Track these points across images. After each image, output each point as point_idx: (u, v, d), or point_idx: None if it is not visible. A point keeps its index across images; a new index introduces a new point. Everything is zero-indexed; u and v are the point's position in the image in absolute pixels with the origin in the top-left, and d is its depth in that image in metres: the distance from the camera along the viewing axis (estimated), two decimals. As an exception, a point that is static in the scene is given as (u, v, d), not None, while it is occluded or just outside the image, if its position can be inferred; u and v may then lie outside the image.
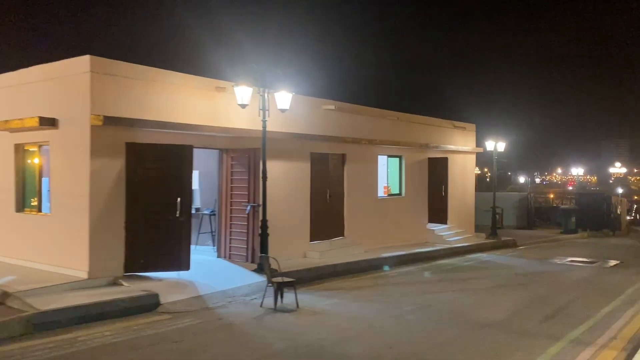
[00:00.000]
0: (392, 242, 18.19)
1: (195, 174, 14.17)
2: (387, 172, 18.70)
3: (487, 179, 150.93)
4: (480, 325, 9.31)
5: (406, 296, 11.74)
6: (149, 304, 9.58)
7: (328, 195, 15.78)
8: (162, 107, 11.33)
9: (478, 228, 23.81)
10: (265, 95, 12.07)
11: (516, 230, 31.83)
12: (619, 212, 38.39)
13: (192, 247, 14.12)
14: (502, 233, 28.25)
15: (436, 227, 20.15)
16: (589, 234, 33.51)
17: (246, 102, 11.67)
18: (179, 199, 11.00)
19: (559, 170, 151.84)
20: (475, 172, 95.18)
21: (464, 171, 22.63)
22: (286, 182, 14.35)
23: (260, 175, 12.13)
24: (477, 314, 10.19)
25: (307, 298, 11.07)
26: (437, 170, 20.20)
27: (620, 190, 61.98)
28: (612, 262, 18.10)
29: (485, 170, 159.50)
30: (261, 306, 10.13)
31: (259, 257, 12.13)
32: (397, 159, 19.16)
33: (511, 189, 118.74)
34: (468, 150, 22.73)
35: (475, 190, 24.40)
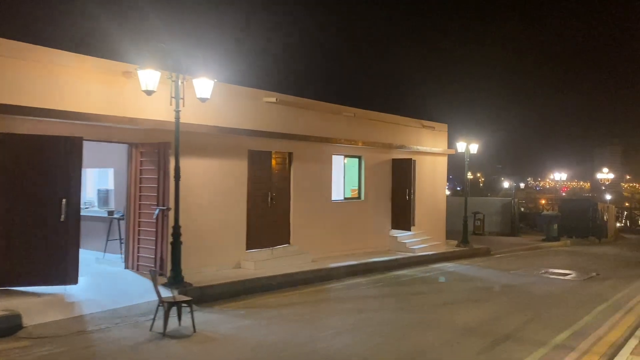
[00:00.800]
0: (349, 250, 16.49)
1: (110, 172, 12.47)
2: (344, 174, 16.98)
3: (481, 184, 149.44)
4: (404, 356, 7.59)
5: (337, 315, 10.02)
6: (7, 327, 7.84)
7: (270, 198, 14.05)
8: (48, 93, 9.59)
9: (457, 235, 22.15)
10: (179, 81, 10.36)
11: (498, 237, 30.31)
12: (605, 219, 36.79)
13: (100, 255, 12.41)
14: (481, 240, 26.74)
15: (400, 234, 18.44)
16: (573, 241, 31.90)
17: (152, 88, 9.95)
18: (64, 200, 9.26)
19: (552, 176, 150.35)
20: (469, 176, 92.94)
21: (433, 174, 20.93)
22: (215, 182, 12.62)
23: (173, 173, 10.39)
24: (407, 340, 8.47)
25: (216, 319, 9.35)
26: (402, 172, 18.49)
27: (608, 197, 60.45)
28: (588, 274, 16.41)
29: (479, 175, 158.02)
30: (150, 330, 8.38)
31: (169, 268, 10.40)
32: (356, 160, 17.44)
33: (504, 193, 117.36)
34: (439, 151, 21.03)
35: (468, 195, 22.68)
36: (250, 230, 13.44)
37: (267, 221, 14.01)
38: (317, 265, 14.02)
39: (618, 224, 61.21)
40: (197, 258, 12.05)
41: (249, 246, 13.43)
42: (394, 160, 18.59)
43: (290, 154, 14.73)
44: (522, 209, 57.76)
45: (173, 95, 10.29)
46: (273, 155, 14.21)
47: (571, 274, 16.36)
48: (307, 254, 14.56)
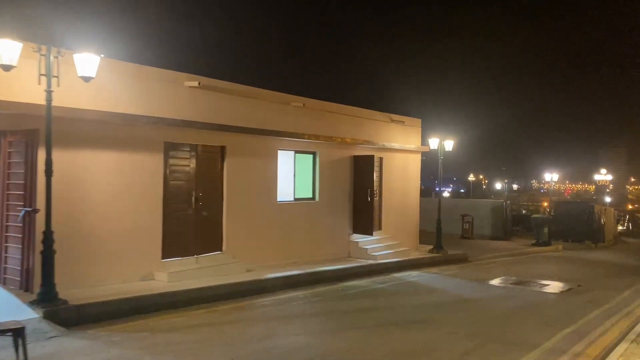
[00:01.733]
0: (300, 257, 14.55)
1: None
2: (294, 172, 15.02)
3: (484, 186, 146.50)
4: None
5: (234, 343, 8.06)
6: None
7: (194, 198, 12.11)
8: None
9: (445, 238, 20.24)
10: (52, 55, 8.45)
11: (488, 241, 28.45)
12: (602, 222, 34.66)
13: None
14: (467, 244, 24.90)
15: (362, 239, 16.44)
16: (567, 246, 29.96)
17: (9, 62, 8.04)
18: None
19: (544, 177, 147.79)
20: (470, 178, 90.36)
21: (404, 173, 18.93)
22: (118, 179, 10.67)
23: (43, 168, 8.48)
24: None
25: (74, 348, 7.41)
26: (363, 170, 16.51)
27: (608, 199, 58.09)
28: (568, 286, 14.39)
29: (482, 177, 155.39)
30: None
31: (39, 282, 8.47)
32: (310, 156, 15.47)
33: (505, 196, 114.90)
34: (412, 148, 19.03)
35: (470, 197, 20.61)
36: (167, 236, 11.49)
37: (192, 225, 12.07)
38: (250, 276, 12.07)
39: (620, 227, 59.16)
40: (96, 270, 10.16)
41: (166, 254, 11.49)
42: (355, 157, 16.61)
43: (223, 148, 12.78)
44: (524, 212, 55.89)
45: (43, 72, 8.38)
46: (200, 149, 12.26)
47: (549, 285, 14.35)
48: (241, 263, 12.61)
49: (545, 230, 26.92)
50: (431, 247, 18.98)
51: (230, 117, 12.70)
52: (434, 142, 18.67)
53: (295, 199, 14.93)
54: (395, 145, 18.22)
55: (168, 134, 11.44)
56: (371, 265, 15.18)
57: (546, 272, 17.18)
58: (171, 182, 11.59)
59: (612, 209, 44.37)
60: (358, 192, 16.51)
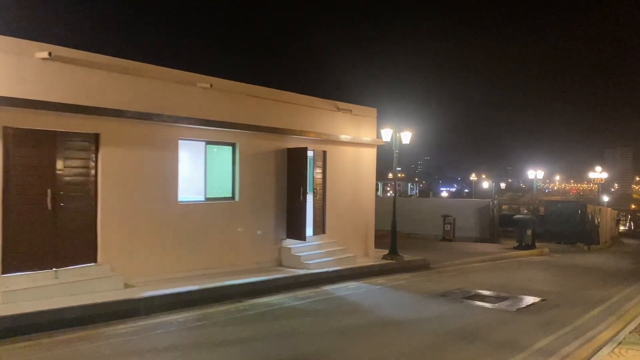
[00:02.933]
0: (214, 266, 12.13)
1: None
2: (205, 166, 12.53)
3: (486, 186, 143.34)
4: None
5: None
6: None
7: (51, 197, 9.66)
8: None
9: (425, 241, 17.79)
10: None
11: (470, 243, 26.06)
12: (596, 222, 31.93)
13: None
14: (443, 248, 22.71)
15: (296, 245, 13.95)
16: (557, 248, 27.50)
17: None
18: None
19: (557, 178, 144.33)
20: (472, 177, 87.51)
21: (356, 169, 16.42)
22: None
23: None
24: None
25: None
26: (298, 166, 14.02)
27: (605, 199, 55.09)
28: (530, 300, 11.85)
29: (484, 176, 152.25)
30: None
31: None
32: (229, 148, 13.00)
33: (510, 196, 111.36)
34: (366, 141, 16.53)
35: (472, 197, 18.03)
36: (7, 245, 9.05)
37: (48, 232, 9.61)
38: (120, 295, 9.60)
39: (622, 228, 56.26)
40: None
41: (8, 268, 9.04)
42: (289, 150, 14.12)
43: (96, 136, 10.31)
44: (525, 212, 53.12)
45: None
46: (60, 137, 9.81)
47: (507, 300, 11.81)
48: (120, 277, 10.15)
49: (529, 232, 24.27)
50: (385, 251, 16.47)
51: (105, 97, 10.25)
52: (386, 134, 16.10)
53: (208, 199, 12.43)
54: (345, 137, 15.72)
55: (10, 117, 9.00)
56: (300, 276, 12.69)
57: (515, 282, 14.65)
58: (14, 177, 9.14)
59: (610, 209, 41.54)
60: (292, 191, 14.01)
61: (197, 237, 11.97)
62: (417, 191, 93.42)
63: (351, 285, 13.03)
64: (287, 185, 14.03)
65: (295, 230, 13.82)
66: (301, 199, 13.72)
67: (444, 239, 27.29)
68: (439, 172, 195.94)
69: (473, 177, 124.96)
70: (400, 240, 25.47)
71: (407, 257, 16.58)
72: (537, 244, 28.58)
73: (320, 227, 14.90)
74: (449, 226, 27.92)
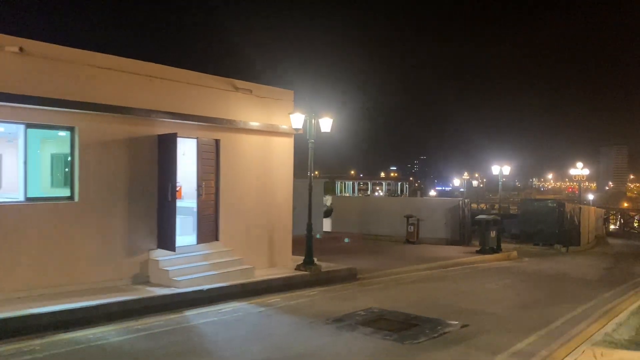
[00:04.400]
0: (40, 286, 9.10)
1: None
2: (25, 156, 9.43)
3: (481, 185, 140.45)
4: None
5: None
6: None
7: None
8: None
9: (388, 243, 14.86)
10: None
11: (436, 246, 23.50)
12: (576, 222, 28.79)
13: None
14: (396, 251, 20.21)
15: (166, 257, 10.88)
16: (533, 251, 24.95)
17: None
18: None
19: (550, 176, 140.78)
20: (464, 176, 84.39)
21: (264, 161, 13.37)
22: None
23: None
24: None
25: None
26: (168, 157, 10.95)
27: (590, 197, 51.83)
28: (451, 326, 8.82)
29: (477, 174, 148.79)
30: None
31: None
32: (66, 133, 9.93)
33: (502, 195, 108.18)
34: (281, 130, 13.47)
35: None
36: None
37: None
38: None
39: (612, 227, 53.20)
40: None
41: None
42: (160, 138, 11.06)
43: None
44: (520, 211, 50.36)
45: None
46: None
47: (415, 327, 8.76)
48: None
49: (493, 233, 21.14)
50: (301, 258, 13.40)
51: None
52: (297, 120, 12.97)
53: (28, 199, 9.35)
54: (248, 123, 12.68)
55: None
56: (155, 298, 9.65)
57: (449, 297, 11.69)
58: None
59: (595, 208, 38.32)
60: (162, 190, 10.95)
61: (11, 247, 8.93)
62: (407, 191, 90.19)
63: (228, 307, 9.99)
64: (158, 183, 10.96)
65: (164, 238, 10.76)
66: (169, 199, 10.65)
67: (407, 241, 24.37)
68: (436, 171, 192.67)
69: (465, 175, 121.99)
70: (361, 242, 22.86)
71: (332, 266, 13.61)
72: (513, 246, 25.74)
73: (209, 234, 11.84)
74: (412, 227, 24.97)
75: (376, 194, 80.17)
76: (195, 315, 9.38)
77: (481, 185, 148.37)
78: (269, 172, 13.42)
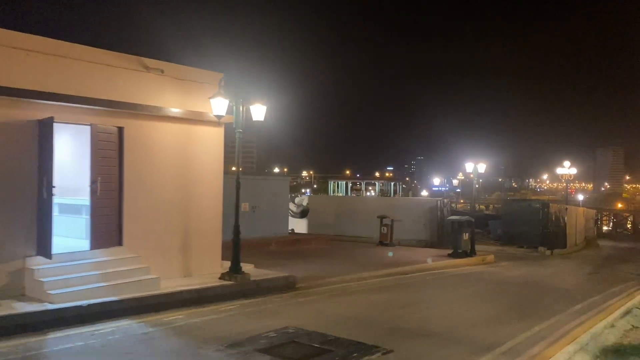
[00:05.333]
0: None
1: None
2: None
3: (477, 185, 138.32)
4: None
5: None
6: None
7: None
8: None
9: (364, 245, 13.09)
10: None
11: (411, 248, 21.61)
12: (562, 224, 26.86)
13: None
14: (364, 255, 18.29)
15: (45, 265, 8.96)
16: (515, 254, 22.85)
17: None
18: None
19: (545, 176, 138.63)
20: (459, 177, 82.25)
21: (184, 154, 11.46)
22: None
23: None
24: None
25: None
26: (44, 147, 9.03)
27: (580, 198, 49.85)
28: (372, 354, 6.90)
29: (471, 175, 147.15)
30: None
31: None
32: None
33: (498, 195, 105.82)
34: (207, 117, 11.53)
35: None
36: None
37: None
38: None
39: (605, 228, 51.38)
40: None
41: None
42: (40, 123, 9.14)
43: None
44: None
45: None
46: None
47: (326, 355, 6.85)
48: None
49: (466, 236, 19.19)
50: (228, 264, 11.48)
51: None
52: (218, 105, 11.02)
53: None
54: (166, 110, 10.80)
55: None
56: (9, 317, 7.71)
57: (388, 313, 9.79)
58: None
59: (584, 209, 36.31)
60: (39, 185, 9.02)
61: None
62: (400, 191, 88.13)
63: (107, 328, 8.09)
64: (39, 178, 9.05)
65: (40, 243, 8.85)
66: (44, 196, 8.74)
67: (381, 244, 22.55)
68: (433, 171, 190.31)
69: (460, 176, 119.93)
70: (331, 245, 21.09)
71: (268, 274, 11.80)
72: (495, 248, 24.03)
73: (108, 237, 9.93)
74: (385, 228, 23.16)
75: (368, 194, 78.10)
76: (58, 339, 7.49)
77: (477, 186, 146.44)
78: (190, 167, 11.51)
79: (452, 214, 24.59)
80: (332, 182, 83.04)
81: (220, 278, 11.10)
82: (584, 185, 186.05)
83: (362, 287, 12.49)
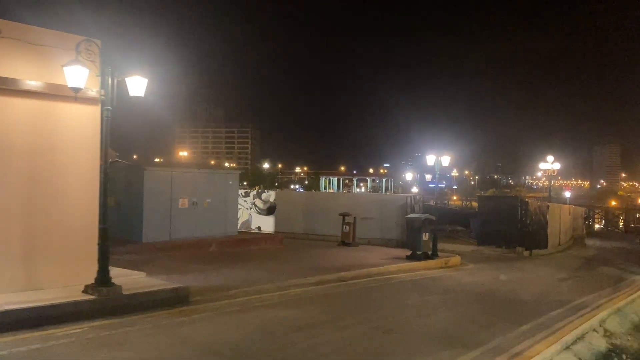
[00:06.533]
0: None
1: None
2: None
3: (472, 182, 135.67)
4: None
5: None
6: None
7: None
8: None
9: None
10: None
11: (373, 248, 19.60)
12: (544, 222, 24.44)
13: None
14: (314, 256, 16.32)
15: None
16: (489, 254, 20.94)
17: None
18: None
19: (539, 174, 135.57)
20: (453, 173, 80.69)
21: (37, 139, 9.03)
22: None
23: None
24: None
25: None
26: None
27: (567, 194, 47.28)
28: None
29: (467, 172, 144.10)
30: None
31: None
32: None
33: (492, 192, 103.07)
34: (80, 95, 9.07)
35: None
36: None
37: None
38: None
39: (597, 226, 49.20)
40: None
41: None
42: None
43: None
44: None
45: None
46: None
47: None
48: None
49: (425, 236, 16.77)
50: (91, 275, 9.04)
51: None
52: (74, 75, 8.56)
53: None
54: (11, 82, 8.36)
55: None
56: None
57: (277, 340, 7.35)
58: None
59: (570, 206, 33.80)
60: None
61: None
62: (392, 187, 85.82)
63: None
64: None
65: None
66: None
67: (342, 243, 20.29)
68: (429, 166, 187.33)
69: (455, 172, 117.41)
70: (287, 245, 18.88)
71: (153, 285, 9.34)
72: (472, 248, 21.84)
73: None
74: (347, 227, 20.85)
75: (358, 190, 75.78)
76: None
77: (472, 182, 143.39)
78: (50, 153, 9.10)
79: (426, 211, 22.26)
80: (323, 178, 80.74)
81: (83, 292, 8.71)
82: (580, 182, 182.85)
83: (275, 300, 10.12)
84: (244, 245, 18.16)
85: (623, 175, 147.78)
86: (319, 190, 71.98)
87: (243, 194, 26.77)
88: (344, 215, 20.78)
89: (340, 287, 11.90)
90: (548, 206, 25.60)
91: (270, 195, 27.81)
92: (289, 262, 15.03)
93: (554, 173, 28.15)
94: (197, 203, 17.82)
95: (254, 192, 27.38)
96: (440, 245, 22.31)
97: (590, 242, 31.29)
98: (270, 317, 8.86)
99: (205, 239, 17.26)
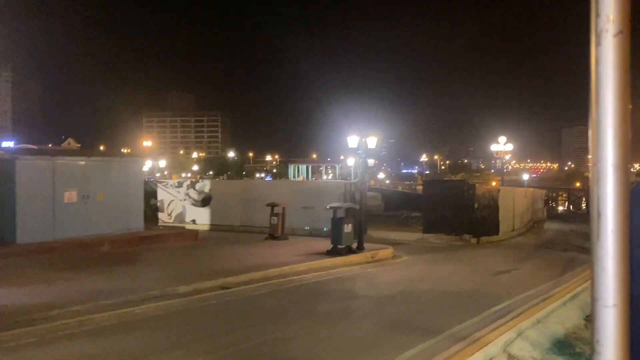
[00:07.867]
0: None
1: None
2: None
3: (442, 167, 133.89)
4: None
5: None
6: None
7: None
8: None
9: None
10: None
11: (309, 241, 17.24)
12: (495, 207, 22.25)
13: None
14: (222, 255, 14.12)
15: None
16: (434, 243, 19.09)
17: None
18: None
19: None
20: (423, 158, 78.19)
21: None
22: None
23: None
24: None
25: None
26: None
27: (525, 177, 45.49)
28: None
29: (436, 157, 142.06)
30: None
31: None
32: None
33: (462, 177, 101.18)
34: None
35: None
36: None
37: None
38: None
39: (561, 208, 47.84)
40: None
41: None
42: None
43: None
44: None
45: None
46: None
47: None
48: None
49: (348, 228, 14.34)
50: None
51: None
52: None
53: None
54: None
55: None
56: None
57: None
58: None
59: (528, 189, 31.75)
60: None
61: None
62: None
63: None
64: None
65: None
66: None
67: (270, 237, 17.89)
68: (404, 155, 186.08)
69: (424, 157, 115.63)
70: (208, 240, 17.14)
71: None
72: (417, 236, 19.80)
73: None
74: (275, 219, 18.52)
75: (325, 177, 73.07)
76: None
77: (443, 167, 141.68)
78: None
79: (385, 197, 19.88)
80: (292, 166, 77.34)
81: None
82: (550, 165, 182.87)
83: (105, 323, 7.56)
84: (145, 244, 15.56)
85: (590, 157, 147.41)
86: (288, 178, 69.17)
87: (176, 184, 24.27)
88: (272, 205, 18.37)
89: (216, 298, 9.41)
90: (499, 190, 23.45)
91: (205, 185, 25.09)
92: (183, 264, 12.57)
93: (506, 154, 25.93)
94: (88, 196, 15.19)
95: (187, 183, 24.70)
96: (385, 234, 20.09)
97: (550, 225, 29.44)
98: (68, 353, 6.29)
99: (99, 237, 14.71)
